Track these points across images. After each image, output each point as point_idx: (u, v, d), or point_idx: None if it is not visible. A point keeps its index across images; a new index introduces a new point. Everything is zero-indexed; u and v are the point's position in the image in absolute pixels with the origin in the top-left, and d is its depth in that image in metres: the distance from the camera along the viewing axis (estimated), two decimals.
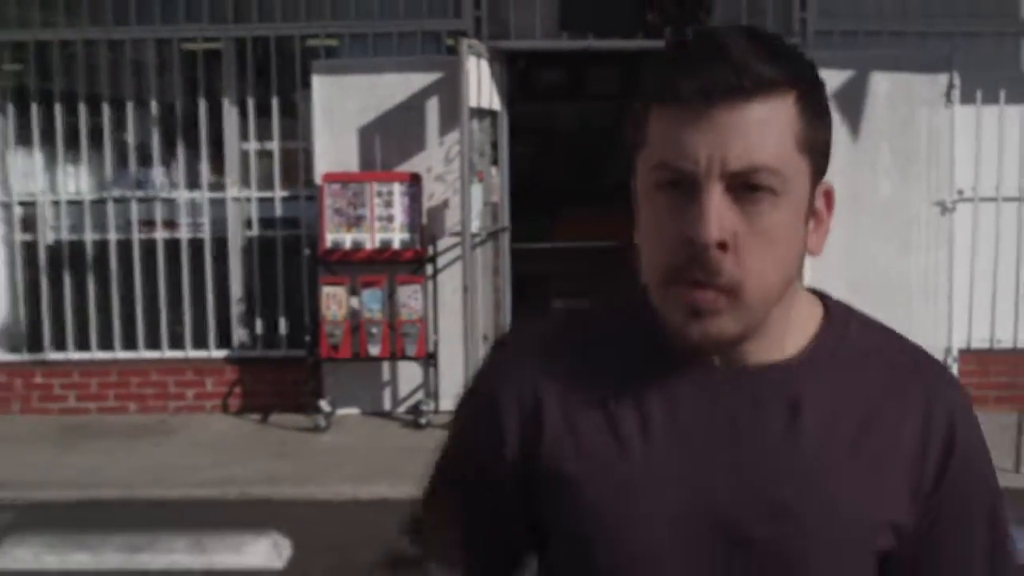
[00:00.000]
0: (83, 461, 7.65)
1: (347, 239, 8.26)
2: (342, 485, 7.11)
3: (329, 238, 8.26)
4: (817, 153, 1.36)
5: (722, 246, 1.29)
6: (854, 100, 8.44)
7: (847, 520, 1.39)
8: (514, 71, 9.69)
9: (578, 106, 12.61)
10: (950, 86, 8.42)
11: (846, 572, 1.40)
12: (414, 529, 1.56)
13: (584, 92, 12.46)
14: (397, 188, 8.30)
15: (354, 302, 8.25)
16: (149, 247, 8.92)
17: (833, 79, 8.23)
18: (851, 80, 8.43)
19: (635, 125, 1.38)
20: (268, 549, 5.95)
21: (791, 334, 1.43)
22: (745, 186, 1.30)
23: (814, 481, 1.38)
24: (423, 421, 8.33)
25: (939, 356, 8.30)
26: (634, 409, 1.42)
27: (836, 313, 1.47)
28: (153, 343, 8.93)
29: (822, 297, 1.50)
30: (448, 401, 8.42)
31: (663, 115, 1.32)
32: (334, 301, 8.21)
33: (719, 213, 1.29)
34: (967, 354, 8.68)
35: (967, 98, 8.46)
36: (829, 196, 1.42)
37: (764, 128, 1.29)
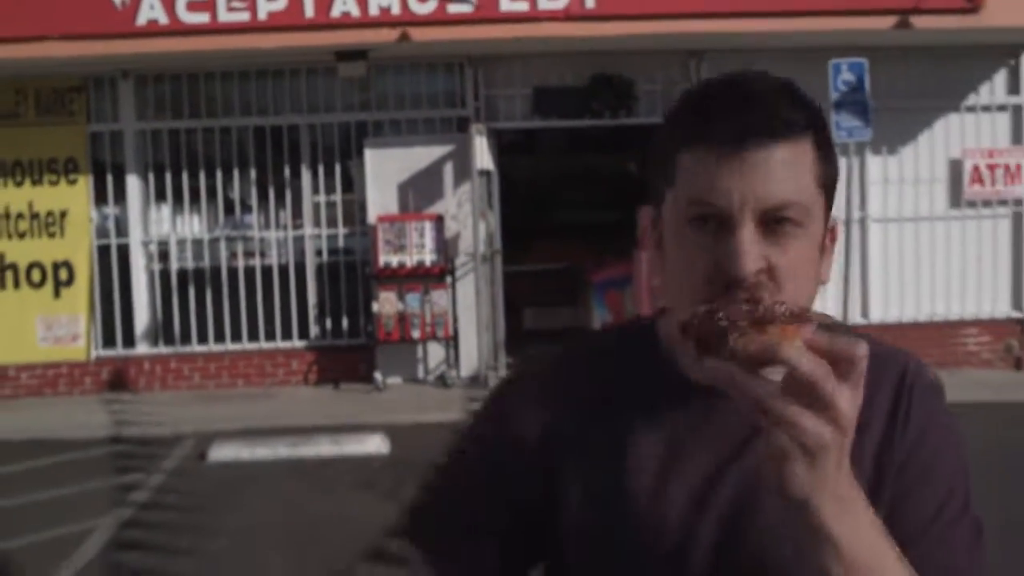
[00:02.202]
0: (225, 411, 11.33)
1: (394, 260, 12.04)
2: (400, 416, 10.82)
3: (382, 260, 12.03)
4: (830, 189, 1.41)
5: (758, 281, 1.32)
6: None
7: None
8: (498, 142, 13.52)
9: (535, 162, 16.22)
10: None
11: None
12: (405, 533, 1.57)
13: (539, 152, 16.15)
14: (427, 225, 12.10)
15: (400, 303, 12.03)
16: (249, 271, 12.69)
17: None
18: None
19: (663, 166, 1.42)
20: (378, 441, 9.68)
21: None
22: (774, 220, 1.33)
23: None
24: (448, 383, 12.12)
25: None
26: (643, 445, 1.47)
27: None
28: (253, 337, 12.64)
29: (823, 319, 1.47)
30: (465, 370, 12.29)
31: (696, 156, 1.36)
32: (387, 303, 11.99)
33: (753, 248, 1.32)
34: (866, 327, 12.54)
35: None
36: (834, 231, 1.46)
37: (791, 167, 1.35)
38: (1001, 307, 12.95)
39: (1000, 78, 12.87)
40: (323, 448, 9.60)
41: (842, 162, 10.81)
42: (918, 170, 12.78)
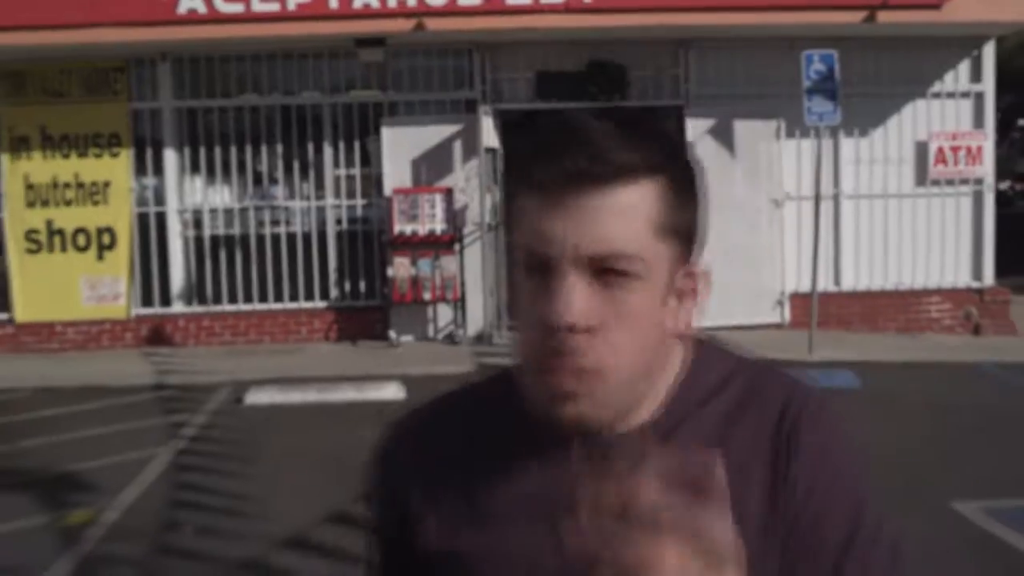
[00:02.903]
0: (255, 363, 12.55)
1: (408, 228, 13.24)
2: (413, 369, 12.01)
3: (397, 228, 13.23)
4: (681, 235, 1.33)
5: (585, 330, 1.28)
6: (720, 136, 13.55)
7: None
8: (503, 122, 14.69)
9: None
10: (779, 128, 13.57)
11: None
12: None
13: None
14: (438, 197, 13.30)
15: (413, 268, 13.24)
16: (274, 238, 13.91)
17: (706, 124, 13.37)
18: (717, 124, 13.54)
19: (505, 209, 1.39)
20: (395, 389, 10.90)
21: (652, 398, 1.40)
22: (604, 271, 1.29)
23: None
24: (455, 341, 13.36)
25: (776, 299, 13.49)
26: (497, 486, 1.42)
27: (696, 365, 1.45)
28: (278, 298, 13.87)
29: (697, 343, 1.47)
30: (471, 329, 13.51)
31: (526, 201, 1.31)
32: (401, 267, 13.20)
33: (577, 296, 1.27)
34: (793, 296, 13.76)
35: (789, 135, 13.58)
36: (694, 278, 1.37)
37: (621, 215, 1.28)
38: (962, 277, 14.17)
39: (964, 67, 14.05)
40: (347, 394, 10.84)
41: (817, 144, 12.10)
42: (887, 151, 13.99)
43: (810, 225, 12.91)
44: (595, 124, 1.30)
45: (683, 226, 1.34)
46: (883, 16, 12.53)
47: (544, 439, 1.37)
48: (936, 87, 13.97)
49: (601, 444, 1.31)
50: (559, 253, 1.28)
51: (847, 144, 13.88)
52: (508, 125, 13.40)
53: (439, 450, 1.49)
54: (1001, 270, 14.40)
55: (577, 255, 1.28)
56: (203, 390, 11.39)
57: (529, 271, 1.31)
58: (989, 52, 14.01)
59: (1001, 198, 32.71)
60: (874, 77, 13.67)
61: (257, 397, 10.83)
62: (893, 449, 8.13)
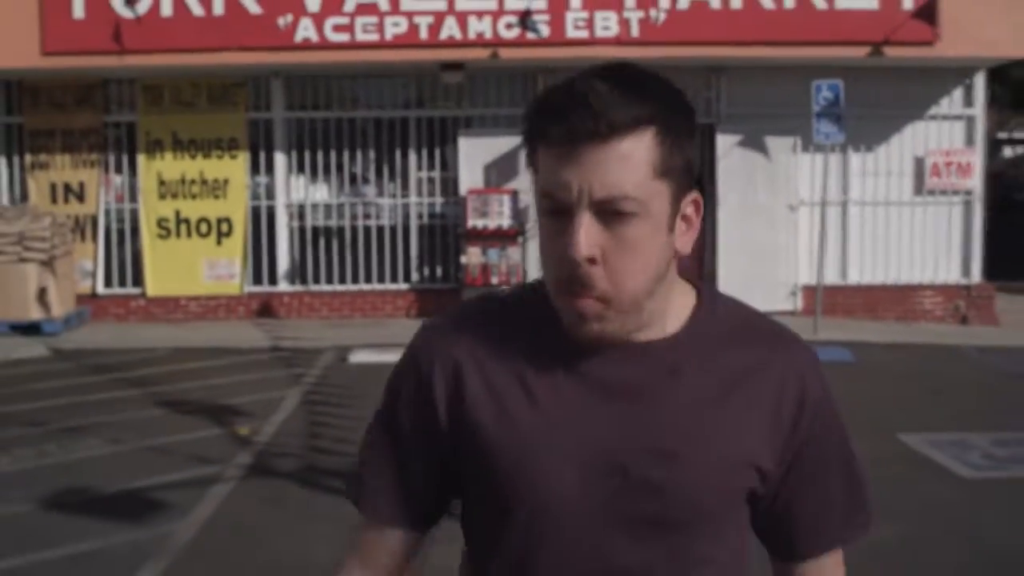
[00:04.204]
0: (351, 333, 15.04)
1: (480, 223, 15.70)
2: None
3: (470, 223, 15.70)
4: (677, 173, 1.55)
5: (591, 261, 1.53)
6: (746, 150, 15.87)
7: (716, 461, 1.63)
8: None
9: None
10: (795, 144, 15.90)
11: (718, 505, 1.66)
12: (352, 479, 1.81)
13: None
14: (505, 197, 15.76)
15: (483, 256, 15.69)
16: (366, 229, 16.45)
17: (734, 140, 15.73)
18: (743, 140, 15.87)
19: (529, 158, 1.61)
20: None
21: (669, 318, 1.67)
22: (608, 211, 1.52)
23: (689, 430, 1.62)
24: None
25: (790, 290, 15.83)
26: (541, 375, 1.66)
27: (706, 298, 1.73)
28: (368, 280, 16.39)
29: (696, 286, 1.74)
30: None
31: (544, 152, 1.55)
32: (473, 255, 15.67)
33: (587, 234, 1.51)
34: (805, 287, 16.07)
35: (804, 150, 15.89)
36: (697, 204, 1.63)
37: (622, 163, 1.50)
38: (952, 275, 16.45)
39: (958, 94, 16.33)
40: None
41: (829, 159, 14.45)
42: (889, 165, 16.30)
43: (821, 228, 15.14)
44: (597, 85, 1.51)
45: (681, 164, 1.55)
46: (886, 51, 14.86)
47: (580, 345, 1.63)
48: (932, 111, 16.26)
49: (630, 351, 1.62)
50: (572, 199, 1.50)
51: (855, 158, 16.18)
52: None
53: (488, 343, 1.69)
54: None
55: (588, 199, 1.50)
56: (312, 352, 13.86)
57: (548, 213, 1.55)
58: (980, 81, 16.29)
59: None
60: (879, 102, 15.92)
61: (359, 357, 13.32)
62: (868, 401, 10.45)
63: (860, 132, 15.51)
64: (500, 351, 1.69)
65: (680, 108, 1.57)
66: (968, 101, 16.38)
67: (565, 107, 1.51)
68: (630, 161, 1.50)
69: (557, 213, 1.55)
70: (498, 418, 1.66)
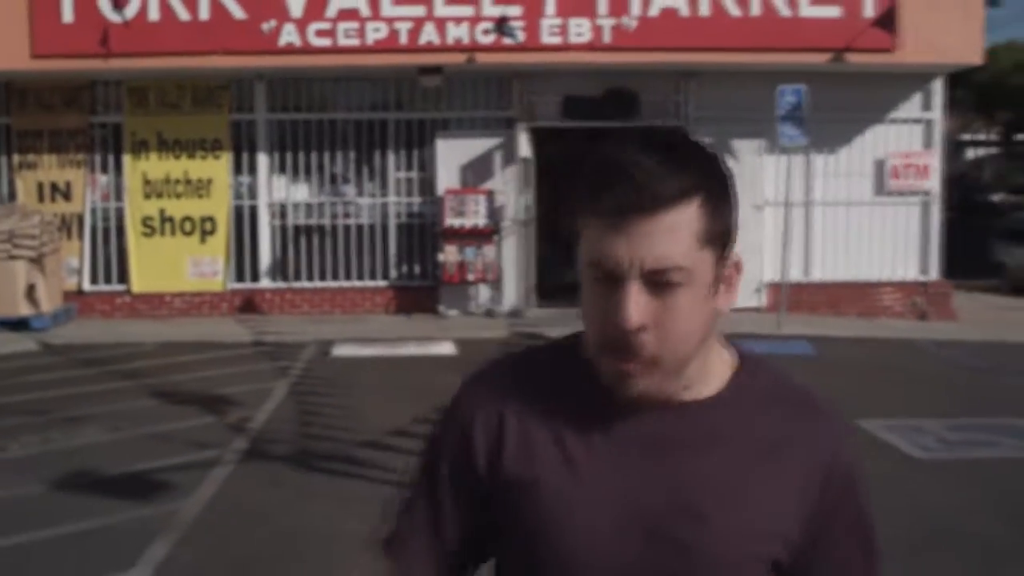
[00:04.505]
0: (332, 328, 15.53)
1: (456, 222, 16.21)
2: (459, 334, 14.94)
3: (447, 222, 16.21)
4: (719, 239, 1.60)
5: (641, 328, 1.56)
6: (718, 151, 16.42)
7: (745, 526, 1.65)
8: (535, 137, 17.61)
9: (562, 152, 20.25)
10: (760, 146, 16.48)
11: (742, 570, 1.66)
12: (389, 534, 1.83)
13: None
14: (481, 197, 16.28)
15: (459, 254, 16.20)
16: (346, 228, 16.93)
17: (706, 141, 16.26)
18: (713, 142, 16.35)
19: (573, 224, 1.63)
20: (449, 346, 13.88)
21: (708, 378, 1.70)
22: (656, 281, 1.56)
23: (722, 493, 1.65)
24: (493, 315, 16.34)
25: (756, 287, 16.42)
26: (577, 431, 1.69)
27: (747, 362, 1.76)
28: (347, 277, 16.88)
29: (739, 348, 1.78)
30: (506, 305, 16.48)
31: (591, 222, 1.59)
32: (450, 254, 16.18)
33: (637, 304, 1.55)
34: (770, 285, 16.65)
35: (770, 152, 16.47)
36: (738, 266, 1.68)
37: (670, 235, 1.54)
38: (911, 272, 17.12)
39: (916, 99, 16.99)
40: (411, 349, 13.85)
41: (793, 161, 15.02)
42: (851, 167, 16.94)
43: (785, 227, 15.75)
44: (641, 159, 1.55)
45: (722, 229, 1.60)
46: (847, 57, 15.47)
47: (616, 404, 1.67)
48: (892, 114, 16.91)
49: (668, 413, 1.67)
50: (621, 269, 1.55)
51: (818, 160, 16.80)
52: (559, 159, 16.19)
53: (526, 397, 1.74)
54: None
55: (639, 270, 1.55)
56: (295, 346, 14.34)
57: (596, 280, 1.60)
58: (938, 86, 16.95)
59: (996, 209, 35.16)
60: (841, 106, 16.53)
61: (341, 351, 13.82)
62: (828, 391, 10.95)
63: (823, 135, 16.11)
64: (538, 406, 1.74)
65: (720, 175, 1.62)
66: (927, 105, 17.02)
67: (612, 181, 1.55)
68: (677, 232, 1.54)
69: (605, 281, 1.59)
70: (533, 473, 1.69)
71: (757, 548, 1.66)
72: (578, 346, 1.74)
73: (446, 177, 16.50)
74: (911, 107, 17.01)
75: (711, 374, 1.71)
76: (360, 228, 16.95)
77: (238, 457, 8.99)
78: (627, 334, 1.57)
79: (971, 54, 15.80)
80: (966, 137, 58.20)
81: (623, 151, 1.57)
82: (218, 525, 7.27)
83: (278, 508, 7.63)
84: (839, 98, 16.48)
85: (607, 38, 15.29)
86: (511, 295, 16.58)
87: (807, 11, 15.42)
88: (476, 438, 1.74)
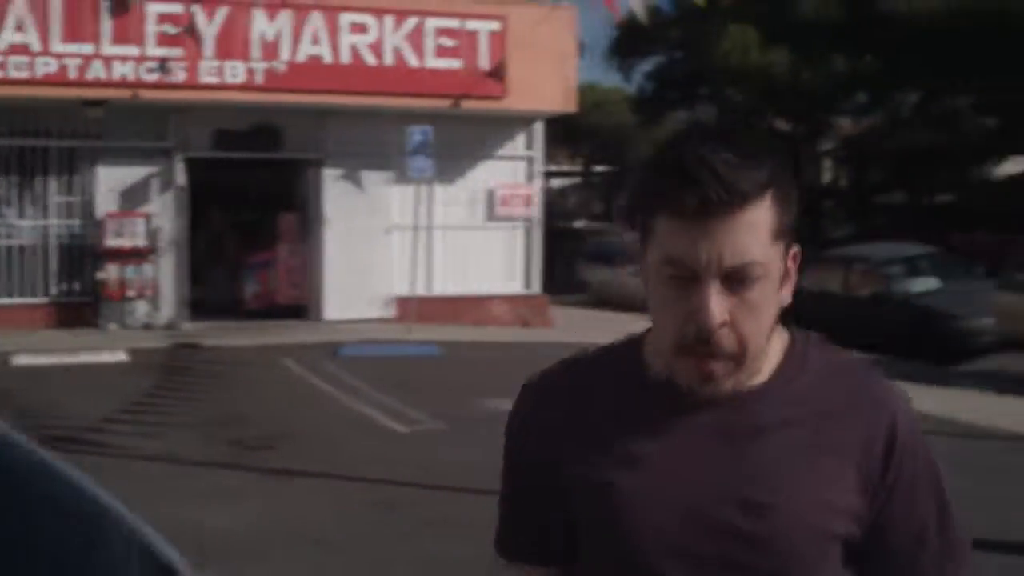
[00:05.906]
0: (3, 341, 16.60)
1: (116, 243, 17.62)
2: (126, 344, 16.44)
3: (108, 242, 17.56)
4: (788, 232, 1.61)
5: (723, 326, 1.56)
6: (348, 182, 18.72)
7: (809, 509, 1.62)
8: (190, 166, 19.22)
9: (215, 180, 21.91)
10: (390, 177, 18.86)
11: (811, 553, 1.64)
12: (497, 541, 1.87)
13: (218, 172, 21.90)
14: (140, 220, 17.77)
15: (119, 272, 17.65)
16: (8, 249, 17.96)
17: (339, 173, 18.53)
18: (346, 173, 18.67)
19: (642, 223, 1.63)
20: (123, 354, 15.37)
21: (764, 364, 1.69)
22: (736, 277, 1.56)
23: (783, 478, 1.63)
24: (150, 328, 17.90)
25: (385, 300, 18.82)
26: (637, 428, 1.69)
27: (798, 341, 1.75)
28: (9, 294, 17.90)
29: (788, 326, 1.75)
30: (163, 319, 18.02)
31: (668, 221, 1.56)
32: (112, 271, 17.59)
33: (718, 301, 1.55)
34: (400, 299, 18.98)
35: (399, 182, 18.88)
36: (796, 257, 1.67)
37: (750, 231, 1.55)
38: (515, 287, 20.10)
39: (520, 138, 20.02)
40: (89, 357, 15.22)
41: (420, 190, 17.50)
42: (467, 195, 19.69)
43: (412, 248, 18.31)
44: (721, 156, 1.54)
45: (790, 223, 1.60)
46: (465, 103, 18.22)
47: (676, 399, 1.66)
48: (501, 151, 19.85)
49: (728, 405, 1.66)
50: (702, 267, 1.55)
51: (439, 190, 19.23)
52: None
53: (585, 398, 1.76)
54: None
55: (718, 268, 1.55)
56: None
57: (670, 279, 1.58)
58: (539, 129, 20.03)
59: (579, 234, 38.80)
60: (460, 143, 19.03)
61: (21, 360, 15.01)
62: (454, 381, 13.42)
63: (444, 168, 18.66)
64: (596, 406, 1.75)
65: (787, 167, 1.62)
66: (529, 144, 20.13)
67: (693, 176, 1.54)
68: (756, 228, 1.56)
69: (679, 278, 1.58)
70: (595, 471, 1.70)
71: (821, 528, 1.65)
72: (638, 346, 1.78)
73: (106, 201, 17.88)
74: (516, 146, 20.01)
75: (768, 359, 1.72)
76: (22, 248, 17.99)
77: None
78: (709, 333, 1.58)
79: (567, 103, 19.03)
80: (552, 168, 62.78)
81: (702, 146, 1.57)
82: None
83: None
84: (458, 137, 18.93)
85: (259, 79, 17.24)
86: (167, 309, 18.13)
87: (432, 62, 18.03)
88: (537, 441, 1.79)
